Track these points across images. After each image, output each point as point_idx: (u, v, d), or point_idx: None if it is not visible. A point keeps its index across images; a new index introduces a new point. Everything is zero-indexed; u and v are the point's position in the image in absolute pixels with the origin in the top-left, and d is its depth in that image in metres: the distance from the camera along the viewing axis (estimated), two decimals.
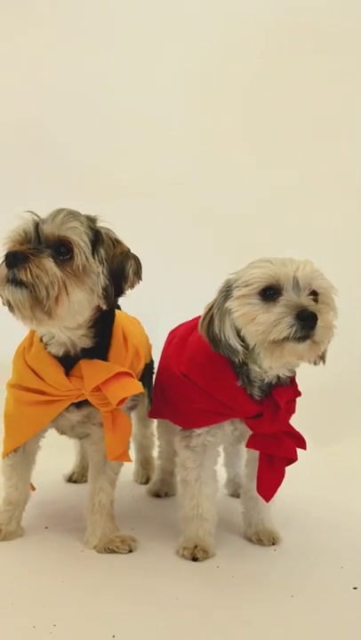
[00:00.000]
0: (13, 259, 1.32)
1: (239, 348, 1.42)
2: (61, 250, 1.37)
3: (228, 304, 1.42)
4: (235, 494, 2.00)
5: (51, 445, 1.71)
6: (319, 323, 1.34)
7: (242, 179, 3.04)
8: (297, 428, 1.62)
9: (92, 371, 1.47)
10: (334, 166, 3.05)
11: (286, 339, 1.33)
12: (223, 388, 1.49)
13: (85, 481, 2.03)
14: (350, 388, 2.84)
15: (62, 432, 1.68)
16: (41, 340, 1.51)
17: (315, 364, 1.51)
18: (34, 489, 1.66)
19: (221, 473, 2.00)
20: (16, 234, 1.40)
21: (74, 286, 1.37)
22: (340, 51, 3.08)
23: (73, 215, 1.41)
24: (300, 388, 1.60)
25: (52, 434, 1.69)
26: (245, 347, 1.43)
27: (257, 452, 1.55)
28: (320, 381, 2.73)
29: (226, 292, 1.45)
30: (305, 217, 3.00)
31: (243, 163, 3.07)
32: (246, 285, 1.40)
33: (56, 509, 1.83)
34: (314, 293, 1.40)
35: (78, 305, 1.40)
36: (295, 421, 1.65)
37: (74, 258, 1.37)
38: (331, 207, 3.04)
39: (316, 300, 1.40)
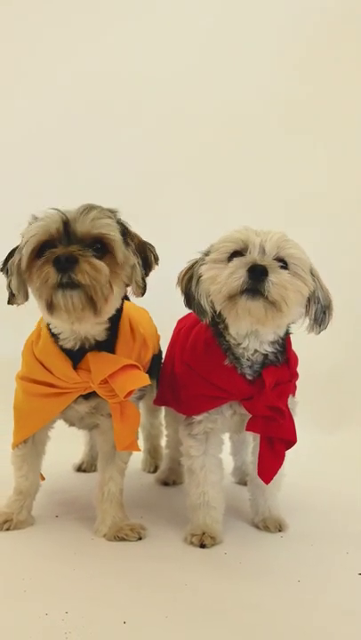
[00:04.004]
0: (66, 262, 1.32)
1: (208, 309, 1.47)
2: (96, 247, 1.38)
3: (200, 269, 1.47)
4: (242, 482, 2.03)
5: (60, 435, 1.73)
6: (272, 278, 1.34)
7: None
8: (304, 416, 1.64)
9: (100, 363, 1.49)
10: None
11: (238, 294, 1.36)
12: (215, 368, 1.52)
13: (94, 470, 2.06)
14: (357, 375, 2.85)
15: (71, 423, 1.71)
16: (52, 335, 1.52)
17: (316, 333, 1.51)
18: (44, 478, 1.69)
19: (229, 461, 2.03)
20: (43, 231, 1.38)
21: (116, 282, 1.40)
22: None
23: (102, 211, 1.41)
24: (306, 375, 1.62)
25: (61, 424, 1.72)
26: (216, 313, 1.47)
27: None
28: (326, 369, 2.78)
29: (205, 256, 1.49)
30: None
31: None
32: (217, 251, 1.45)
33: (66, 498, 1.87)
34: (283, 262, 1.41)
35: (116, 300, 1.45)
36: (302, 409, 1.67)
37: (111, 254, 1.39)
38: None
39: (284, 269, 1.41)
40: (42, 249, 1.38)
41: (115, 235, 1.40)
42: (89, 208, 1.39)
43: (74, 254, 1.32)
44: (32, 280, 1.40)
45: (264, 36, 3.07)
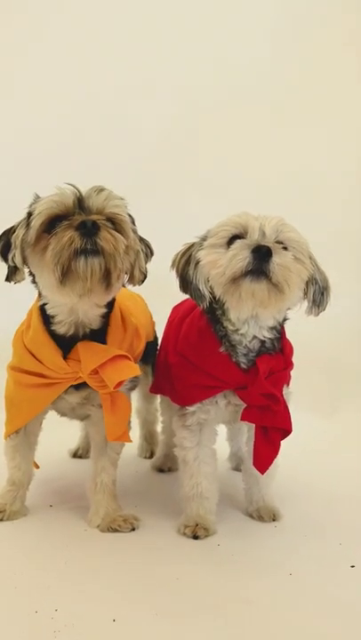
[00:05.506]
0: (93, 227, 1.31)
1: (207, 293, 1.45)
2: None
3: (198, 254, 1.45)
4: (237, 468, 2.02)
5: (55, 421, 1.72)
6: (276, 259, 1.33)
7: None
8: (300, 400, 1.63)
9: (90, 353, 1.47)
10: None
11: (242, 275, 1.34)
12: (209, 356, 1.50)
13: (90, 457, 2.05)
14: (353, 359, 2.83)
15: (63, 414, 1.70)
16: (44, 321, 1.50)
17: (316, 314, 1.50)
18: (38, 467, 1.69)
19: (225, 447, 2.03)
20: (58, 204, 1.36)
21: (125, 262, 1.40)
22: None
23: (112, 193, 1.41)
24: (302, 359, 1.61)
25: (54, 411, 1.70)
26: (214, 298, 1.45)
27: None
28: (322, 353, 2.76)
29: (203, 240, 1.47)
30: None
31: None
32: (215, 235, 1.43)
33: (61, 486, 1.86)
34: (283, 247, 1.40)
35: (121, 282, 1.43)
36: (298, 393, 1.66)
37: (120, 235, 1.38)
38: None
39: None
40: (51, 223, 1.36)
41: (125, 216, 1.41)
42: (100, 188, 1.40)
43: (98, 222, 1.32)
44: (40, 252, 1.37)
45: (261, 16, 3.04)
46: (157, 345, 1.97)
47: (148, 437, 2.26)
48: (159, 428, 2.16)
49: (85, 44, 3.03)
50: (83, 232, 1.30)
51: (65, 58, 3.02)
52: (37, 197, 1.43)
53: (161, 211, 2.65)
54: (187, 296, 1.81)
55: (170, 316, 1.87)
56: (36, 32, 3.03)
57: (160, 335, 1.94)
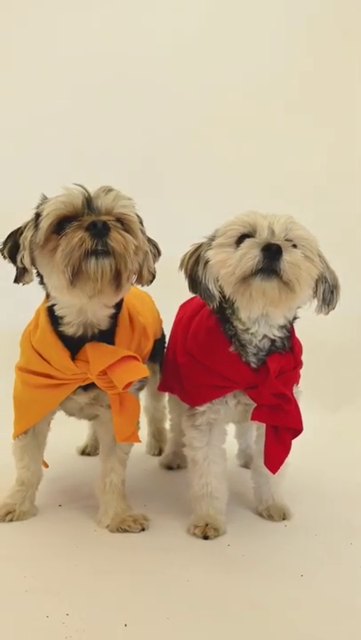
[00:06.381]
0: (103, 228, 1.30)
1: (216, 293, 1.44)
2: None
3: (207, 253, 1.44)
4: (246, 465, 2.02)
5: (63, 419, 1.72)
6: (286, 257, 1.32)
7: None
8: (308, 395, 1.62)
9: (98, 354, 1.46)
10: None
11: (252, 274, 1.33)
12: (219, 356, 1.49)
13: (98, 454, 2.05)
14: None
15: (71, 414, 1.69)
16: (52, 321, 1.49)
17: (325, 313, 1.50)
18: (47, 466, 1.68)
19: (233, 444, 2.02)
20: (66, 205, 1.35)
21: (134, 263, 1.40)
22: None
23: (120, 193, 1.40)
24: (308, 353, 1.60)
25: None
26: (224, 297, 1.45)
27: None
28: (331, 347, 2.74)
29: (211, 240, 1.46)
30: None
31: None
32: (224, 235, 1.42)
33: (70, 485, 1.86)
34: (293, 245, 1.39)
35: (131, 282, 1.43)
36: (304, 387, 1.65)
37: (129, 235, 1.37)
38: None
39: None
40: (60, 224, 1.35)
41: (134, 217, 1.40)
42: (108, 188, 1.39)
43: (108, 222, 1.31)
44: (48, 253, 1.36)
45: (264, 12, 3.01)
46: (165, 343, 1.96)
47: (157, 435, 2.25)
48: (167, 425, 2.16)
49: (86, 44, 2.99)
50: (93, 233, 1.29)
51: (66, 55, 2.99)
52: (45, 198, 1.42)
53: (165, 209, 2.62)
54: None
55: (177, 314, 1.86)
56: (36, 28, 3.01)
57: (167, 333, 1.93)
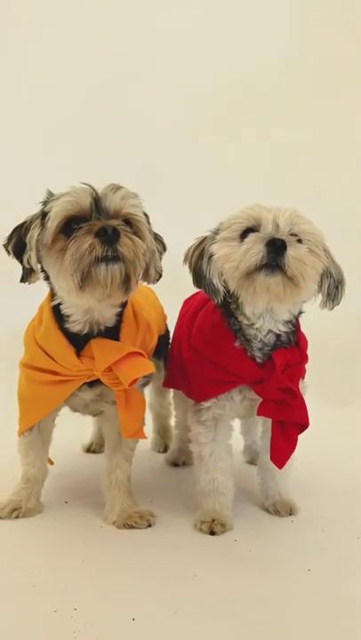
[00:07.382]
0: (113, 234, 1.29)
1: (221, 288, 1.43)
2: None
3: (211, 247, 1.43)
4: (252, 462, 2.02)
5: (68, 416, 1.72)
6: (291, 252, 1.31)
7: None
8: (312, 389, 1.62)
9: (103, 351, 1.46)
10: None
11: (256, 269, 1.32)
12: (224, 351, 1.49)
13: (104, 451, 2.05)
14: None
15: (76, 410, 1.69)
16: (57, 318, 1.48)
17: (330, 308, 1.49)
18: (52, 463, 1.68)
19: (239, 440, 2.01)
20: (74, 205, 1.34)
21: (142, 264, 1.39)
22: None
23: (128, 192, 1.39)
24: (314, 349, 1.59)
25: None
26: (228, 292, 1.44)
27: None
28: (335, 341, 2.74)
29: (215, 234, 1.45)
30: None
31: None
32: (228, 228, 1.41)
33: (75, 482, 1.86)
34: (298, 239, 1.38)
35: (138, 283, 1.42)
36: (310, 382, 1.65)
37: (137, 235, 1.37)
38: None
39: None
40: (67, 224, 1.34)
41: (142, 217, 1.40)
42: (117, 186, 1.37)
43: (118, 228, 1.30)
44: (56, 254, 1.35)
45: (264, 12, 3.02)
46: (169, 338, 1.96)
47: (162, 431, 2.25)
48: (172, 421, 2.15)
49: (86, 44, 3.00)
50: (103, 239, 1.28)
51: (67, 53, 2.99)
52: (51, 194, 1.41)
53: (169, 204, 2.62)
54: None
55: (181, 310, 1.86)
56: (36, 26, 3.01)
57: (171, 328, 1.92)
